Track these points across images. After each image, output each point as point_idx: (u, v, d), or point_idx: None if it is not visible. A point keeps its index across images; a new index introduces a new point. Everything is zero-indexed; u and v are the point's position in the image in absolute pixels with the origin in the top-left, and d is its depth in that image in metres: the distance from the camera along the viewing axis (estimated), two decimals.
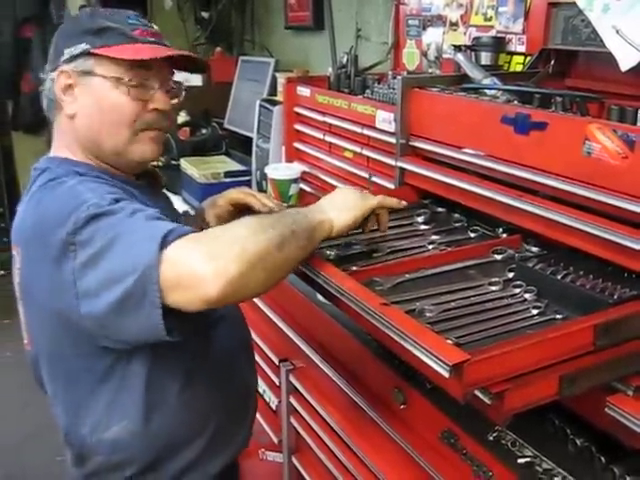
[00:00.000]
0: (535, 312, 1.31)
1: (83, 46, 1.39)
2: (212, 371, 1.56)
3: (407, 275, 1.47)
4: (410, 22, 2.77)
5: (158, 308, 1.17)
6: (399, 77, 1.98)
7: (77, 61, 1.40)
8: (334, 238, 1.46)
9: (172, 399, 1.47)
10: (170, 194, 2.08)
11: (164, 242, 1.17)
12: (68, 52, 1.40)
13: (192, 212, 2.00)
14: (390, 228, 1.63)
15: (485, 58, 2.16)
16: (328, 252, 1.55)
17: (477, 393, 1.06)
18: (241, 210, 1.76)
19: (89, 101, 1.41)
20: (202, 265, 1.15)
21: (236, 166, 3.70)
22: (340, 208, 1.45)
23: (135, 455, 1.47)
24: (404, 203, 1.62)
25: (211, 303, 1.16)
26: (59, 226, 1.24)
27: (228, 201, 1.78)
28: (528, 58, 2.12)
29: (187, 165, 3.57)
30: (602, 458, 1.26)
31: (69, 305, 1.26)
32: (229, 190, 1.82)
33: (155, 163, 1.56)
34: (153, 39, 1.45)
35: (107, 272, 1.20)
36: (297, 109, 2.78)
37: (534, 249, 1.56)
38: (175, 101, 1.53)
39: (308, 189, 2.72)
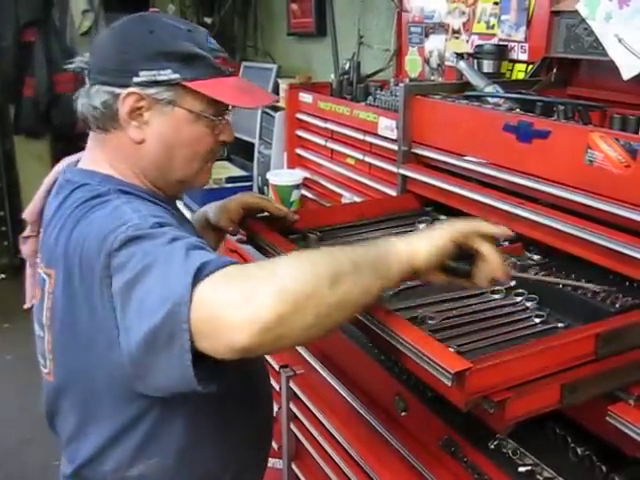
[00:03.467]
0: (537, 320, 1.31)
1: (170, 74, 1.27)
2: (243, 402, 1.46)
3: (409, 283, 1.46)
4: (412, 29, 2.77)
5: (187, 352, 1.02)
6: (401, 84, 1.98)
7: (158, 88, 1.27)
8: (421, 275, 1.20)
9: (207, 436, 1.37)
10: None
11: (197, 276, 1.02)
12: (147, 75, 1.26)
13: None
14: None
15: (487, 66, 2.16)
16: None
17: (479, 401, 1.06)
18: (253, 215, 1.69)
19: (164, 130, 1.30)
20: (233, 307, 0.99)
21: (238, 172, 3.72)
22: (423, 235, 1.20)
23: None
24: (510, 234, 1.30)
25: (239, 352, 1.00)
26: (99, 248, 1.13)
27: (240, 205, 1.67)
28: (530, 66, 2.13)
29: None
30: (603, 467, 1.26)
31: (109, 337, 1.15)
32: (239, 195, 1.72)
33: (210, 176, 1.48)
34: (232, 69, 1.39)
35: (139, 302, 1.07)
36: (299, 115, 2.78)
37: (536, 257, 1.56)
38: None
39: (310, 195, 2.72)
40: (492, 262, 1.18)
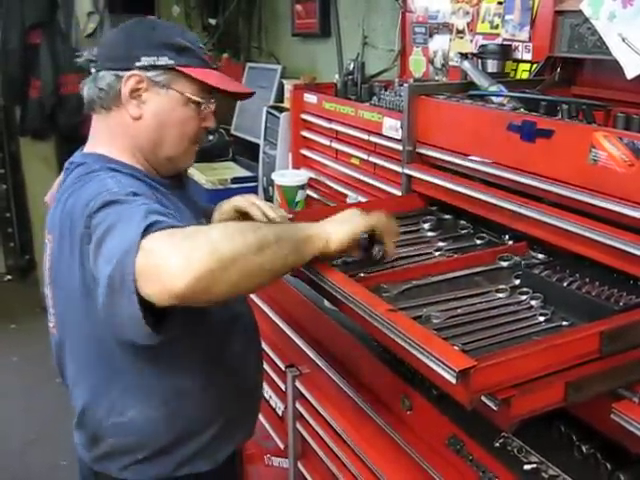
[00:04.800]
0: (541, 319, 1.31)
1: (166, 60, 1.49)
2: (229, 363, 1.61)
3: (414, 282, 1.47)
4: (417, 29, 2.78)
5: (133, 294, 1.16)
6: (406, 84, 1.99)
7: (156, 71, 1.48)
8: (333, 257, 1.43)
9: (190, 387, 1.52)
10: None
11: (146, 232, 1.18)
12: (148, 60, 1.47)
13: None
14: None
15: (491, 66, 2.17)
16: None
17: (483, 399, 1.06)
18: (245, 218, 1.79)
19: (158, 109, 1.51)
20: (172, 258, 1.14)
21: (243, 172, 3.72)
22: (338, 222, 1.42)
23: (149, 439, 1.51)
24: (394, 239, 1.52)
25: (177, 297, 1.14)
26: (82, 212, 1.31)
27: (233, 207, 1.82)
28: (534, 66, 2.13)
29: (194, 171, 3.58)
30: (608, 465, 1.26)
31: (90, 289, 1.31)
32: (236, 197, 1.84)
33: (193, 162, 1.68)
34: (215, 65, 1.63)
35: (104, 253, 1.22)
36: (304, 116, 2.79)
37: (540, 256, 1.57)
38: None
39: (315, 196, 2.73)
40: (388, 248, 1.48)
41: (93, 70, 1.52)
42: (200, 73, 1.52)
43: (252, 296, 2.32)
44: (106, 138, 1.53)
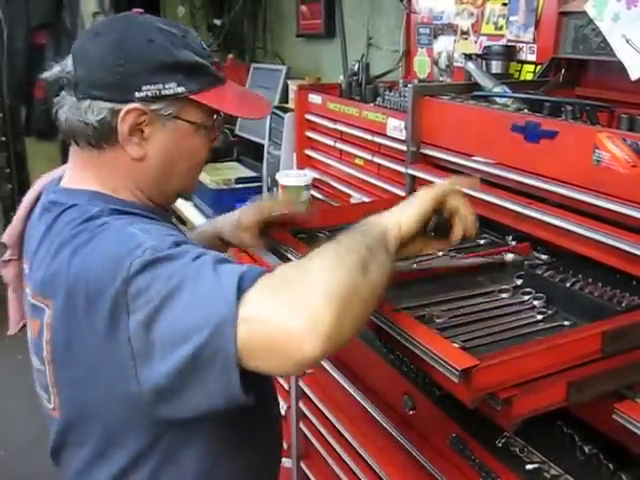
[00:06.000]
0: (544, 319, 1.31)
1: (175, 87, 1.20)
2: (256, 421, 1.37)
3: (417, 281, 1.47)
4: (421, 30, 2.78)
5: (235, 371, 0.99)
6: (410, 85, 1.99)
7: (162, 103, 1.20)
8: (408, 242, 1.21)
9: (222, 459, 1.30)
10: (181, 200, 2.09)
11: (240, 291, 0.99)
12: (151, 89, 1.18)
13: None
14: None
15: (496, 67, 2.17)
16: None
17: (485, 398, 1.06)
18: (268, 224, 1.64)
19: (165, 145, 1.24)
20: (290, 320, 0.95)
21: (247, 172, 3.73)
22: (405, 204, 1.22)
23: None
24: (477, 182, 1.38)
25: (309, 364, 0.99)
26: (111, 276, 1.04)
27: (256, 217, 1.63)
28: (539, 67, 2.13)
29: None
30: (610, 465, 1.26)
31: (124, 370, 1.06)
32: (247, 208, 1.67)
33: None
34: (223, 75, 1.32)
35: (171, 329, 1.01)
36: (308, 116, 2.79)
37: (543, 256, 1.57)
38: None
39: (319, 196, 2.73)
40: (468, 217, 1.25)
41: (69, 92, 1.22)
42: (216, 97, 1.26)
43: None
44: (95, 175, 1.25)
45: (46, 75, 1.26)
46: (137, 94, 1.18)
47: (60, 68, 1.24)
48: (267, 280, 1.02)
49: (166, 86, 1.19)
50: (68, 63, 1.23)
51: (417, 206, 1.20)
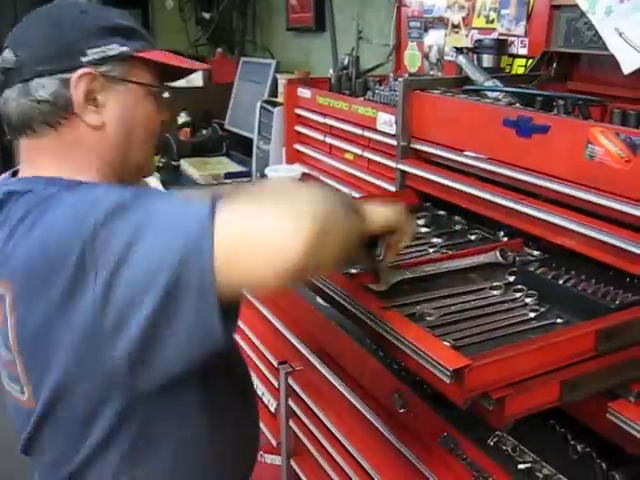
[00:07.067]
0: (536, 316, 1.30)
1: (118, 47, 1.20)
2: (226, 413, 1.35)
3: (407, 278, 1.46)
4: (412, 24, 2.76)
5: (213, 296, 0.93)
6: (400, 79, 1.97)
7: (109, 64, 1.19)
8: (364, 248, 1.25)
9: (198, 440, 1.26)
10: None
11: (213, 208, 0.94)
12: (96, 52, 1.18)
13: None
14: None
15: (487, 60, 2.16)
16: None
17: (478, 398, 1.05)
18: None
19: (120, 110, 1.22)
20: (275, 221, 0.93)
21: (236, 167, 3.71)
22: (377, 204, 1.23)
23: None
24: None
25: (289, 269, 0.93)
26: (74, 237, 0.99)
27: None
28: (530, 61, 2.12)
29: (187, 166, 3.57)
30: (603, 464, 1.25)
31: (95, 337, 1.01)
32: None
33: (155, 164, 1.41)
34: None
35: (140, 266, 0.95)
36: (298, 111, 2.77)
37: (535, 253, 1.55)
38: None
39: None
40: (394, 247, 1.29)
41: (14, 82, 1.17)
42: (159, 55, 1.26)
43: (244, 292, 2.31)
44: (53, 162, 1.20)
45: None
46: (83, 59, 1.16)
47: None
48: (248, 195, 1.02)
49: (109, 47, 1.19)
50: (6, 54, 1.19)
51: (388, 212, 1.23)
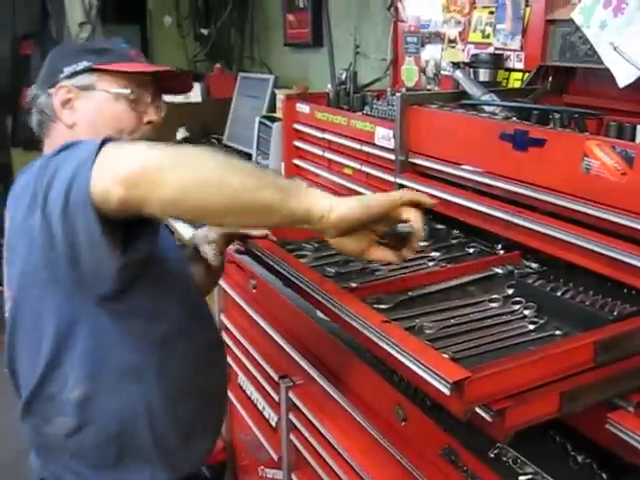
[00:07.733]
0: (535, 328, 1.31)
1: (85, 63, 1.51)
2: (180, 339, 1.52)
3: (407, 292, 1.47)
4: (408, 39, 2.78)
5: (91, 208, 1.15)
6: (398, 94, 1.98)
7: (78, 77, 1.51)
8: (345, 233, 1.21)
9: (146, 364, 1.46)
10: None
11: (102, 145, 1.17)
12: (69, 70, 1.51)
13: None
14: None
15: (483, 75, 2.17)
16: (328, 269, 1.55)
17: (478, 410, 1.05)
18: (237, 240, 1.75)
19: (89, 113, 1.52)
20: (130, 153, 1.17)
21: None
22: (351, 198, 1.22)
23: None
24: (434, 203, 1.31)
25: (119, 182, 1.12)
26: (34, 173, 1.27)
27: (223, 235, 1.76)
28: (526, 75, 2.13)
29: None
30: (603, 475, 1.25)
31: (40, 243, 1.26)
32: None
33: None
34: (145, 60, 1.64)
35: (58, 181, 1.19)
36: (296, 126, 2.78)
37: (534, 265, 1.57)
38: (162, 115, 1.63)
39: None
40: (419, 234, 1.24)
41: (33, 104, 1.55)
42: (119, 66, 1.52)
43: (245, 306, 2.31)
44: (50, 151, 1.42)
45: (28, 101, 1.58)
46: (61, 75, 1.51)
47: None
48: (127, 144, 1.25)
49: (79, 64, 1.51)
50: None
51: (364, 203, 1.20)
